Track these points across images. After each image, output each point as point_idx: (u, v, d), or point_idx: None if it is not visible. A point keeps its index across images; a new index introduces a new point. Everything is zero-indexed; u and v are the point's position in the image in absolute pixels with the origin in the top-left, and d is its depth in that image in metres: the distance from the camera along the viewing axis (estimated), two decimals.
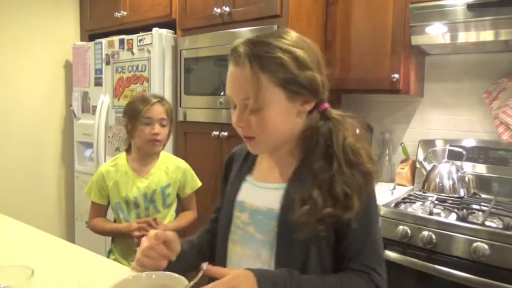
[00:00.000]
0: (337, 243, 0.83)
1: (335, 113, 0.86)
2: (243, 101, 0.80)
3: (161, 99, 1.57)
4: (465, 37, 1.79)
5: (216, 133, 2.18)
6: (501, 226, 1.45)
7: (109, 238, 2.67)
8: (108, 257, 1.64)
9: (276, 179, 0.89)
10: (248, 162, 0.98)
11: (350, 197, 0.78)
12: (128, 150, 1.64)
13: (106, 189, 1.60)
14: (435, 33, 1.82)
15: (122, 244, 1.62)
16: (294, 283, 0.74)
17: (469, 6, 1.64)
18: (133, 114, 1.53)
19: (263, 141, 0.83)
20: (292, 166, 0.88)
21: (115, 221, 1.67)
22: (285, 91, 0.79)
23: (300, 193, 0.80)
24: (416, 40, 1.90)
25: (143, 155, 1.61)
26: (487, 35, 1.73)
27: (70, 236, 3.13)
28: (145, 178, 1.59)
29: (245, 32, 2.01)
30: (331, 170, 0.80)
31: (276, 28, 1.93)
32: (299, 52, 0.79)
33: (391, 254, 1.63)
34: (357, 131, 0.87)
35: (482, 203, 1.75)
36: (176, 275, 0.76)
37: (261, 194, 0.90)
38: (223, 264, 0.88)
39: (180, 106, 2.39)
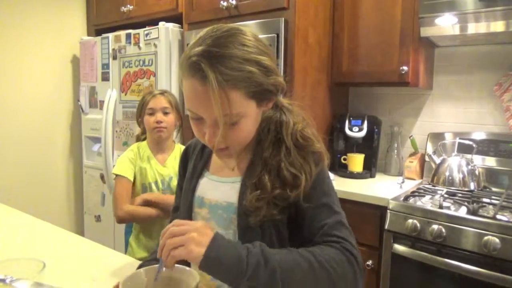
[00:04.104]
0: (299, 226, 0.83)
1: (285, 102, 0.91)
2: (215, 118, 0.75)
3: (163, 92, 1.69)
4: (475, 28, 1.76)
5: None
6: None
7: (118, 233, 2.70)
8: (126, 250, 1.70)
9: (233, 173, 0.90)
10: (204, 157, 0.98)
11: (298, 177, 0.81)
12: (144, 139, 1.74)
13: (134, 169, 1.68)
14: (445, 24, 1.80)
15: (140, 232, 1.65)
16: (256, 246, 0.73)
17: None
18: (141, 107, 1.68)
19: (237, 148, 0.84)
20: (247, 158, 0.89)
21: None
22: (256, 100, 0.78)
23: (252, 181, 0.83)
24: (426, 31, 1.88)
25: (156, 145, 1.69)
26: (498, 26, 1.71)
27: (79, 230, 3.17)
28: (163, 166, 1.68)
29: (252, 25, 2.00)
30: (279, 155, 0.84)
31: (273, 24, 1.92)
32: (264, 60, 0.77)
33: (399, 248, 1.62)
34: (307, 119, 0.91)
35: (493, 197, 1.73)
36: (188, 268, 0.76)
37: (219, 188, 0.91)
38: (187, 263, 0.82)
39: None
